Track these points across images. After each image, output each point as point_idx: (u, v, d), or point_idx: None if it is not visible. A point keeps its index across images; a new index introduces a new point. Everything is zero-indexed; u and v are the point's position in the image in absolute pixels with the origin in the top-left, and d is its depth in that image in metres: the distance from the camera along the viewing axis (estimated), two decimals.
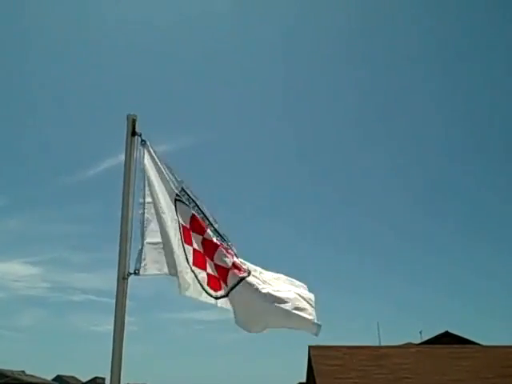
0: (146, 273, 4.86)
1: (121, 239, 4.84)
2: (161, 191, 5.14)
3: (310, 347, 23.09)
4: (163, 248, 4.99)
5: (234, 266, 5.08)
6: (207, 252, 5.17)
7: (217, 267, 5.13)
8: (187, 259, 5.07)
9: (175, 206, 5.19)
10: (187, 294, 5.01)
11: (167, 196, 5.19)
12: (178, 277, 4.94)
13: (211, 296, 5.10)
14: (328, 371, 21.22)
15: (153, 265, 4.92)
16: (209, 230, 5.20)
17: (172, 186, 5.23)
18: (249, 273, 5.11)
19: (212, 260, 5.14)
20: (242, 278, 5.04)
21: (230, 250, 5.19)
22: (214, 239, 5.17)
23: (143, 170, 5.07)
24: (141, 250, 4.85)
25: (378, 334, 29.34)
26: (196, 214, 5.22)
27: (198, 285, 5.07)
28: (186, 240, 5.14)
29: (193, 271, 5.06)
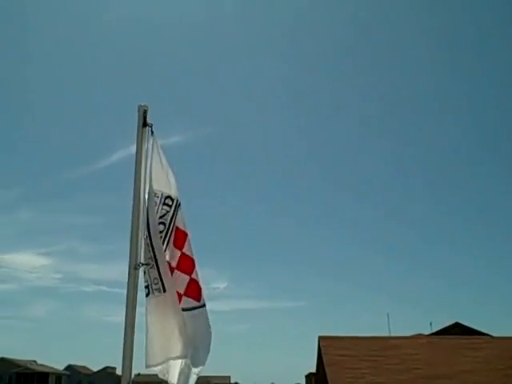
0: None
1: (132, 229, 4.85)
2: (152, 190, 5.05)
3: (319, 338, 23.13)
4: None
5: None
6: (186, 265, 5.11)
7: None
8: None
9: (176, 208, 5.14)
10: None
11: (160, 196, 5.10)
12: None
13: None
14: (338, 361, 21.24)
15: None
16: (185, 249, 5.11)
17: (171, 187, 5.17)
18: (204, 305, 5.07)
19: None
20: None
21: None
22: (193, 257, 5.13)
23: (150, 163, 5.04)
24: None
25: (388, 325, 29.35)
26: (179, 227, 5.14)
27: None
28: (176, 243, 5.08)
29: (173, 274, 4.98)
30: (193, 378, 4.95)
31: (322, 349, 22.53)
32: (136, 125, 5.07)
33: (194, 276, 5.07)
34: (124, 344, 4.63)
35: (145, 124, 5.08)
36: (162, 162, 5.12)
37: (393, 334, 26.98)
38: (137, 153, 5.03)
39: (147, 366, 4.80)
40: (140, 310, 4.77)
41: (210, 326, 5.07)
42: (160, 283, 4.80)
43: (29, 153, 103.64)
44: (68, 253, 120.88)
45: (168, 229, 5.05)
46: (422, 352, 22.06)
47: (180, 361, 4.90)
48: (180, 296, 4.92)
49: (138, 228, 4.86)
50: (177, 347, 4.85)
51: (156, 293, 4.79)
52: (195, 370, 4.92)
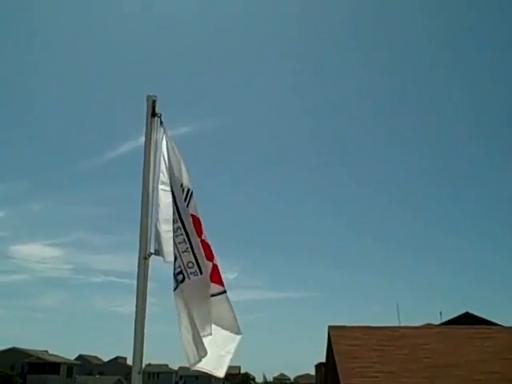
0: (170, 259, 4.86)
1: (141, 219, 4.86)
2: (175, 178, 5.08)
3: (329, 327, 23.14)
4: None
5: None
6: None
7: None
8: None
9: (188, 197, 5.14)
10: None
11: (179, 184, 5.12)
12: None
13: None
14: (347, 351, 21.25)
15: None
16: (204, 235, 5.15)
17: (183, 176, 5.17)
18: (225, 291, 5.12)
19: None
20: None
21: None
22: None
23: (167, 151, 5.05)
24: (157, 232, 4.88)
25: (398, 314, 29.31)
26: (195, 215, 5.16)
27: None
28: (198, 232, 5.09)
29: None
30: (228, 358, 5.10)
31: (332, 338, 22.54)
32: (145, 115, 5.08)
33: (215, 261, 5.13)
34: (135, 334, 4.65)
35: (154, 114, 5.08)
36: (174, 152, 5.13)
37: (402, 324, 26.97)
38: (146, 143, 5.03)
39: (192, 365, 4.78)
40: (150, 300, 4.79)
41: (233, 311, 5.16)
42: (196, 266, 4.86)
43: (38, 145, 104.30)
44: (78, 244, 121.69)
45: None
46: (432, 342, 22.02)
47: (214, 348, 4.92)
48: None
49: (147, 218, 4.87)
50: (208, 328, 4.90)
51: (192, 276, 4.82)
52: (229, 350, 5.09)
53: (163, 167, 5.10)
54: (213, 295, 4.98)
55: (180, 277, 4.80)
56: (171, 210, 4.96)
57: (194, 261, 4.86)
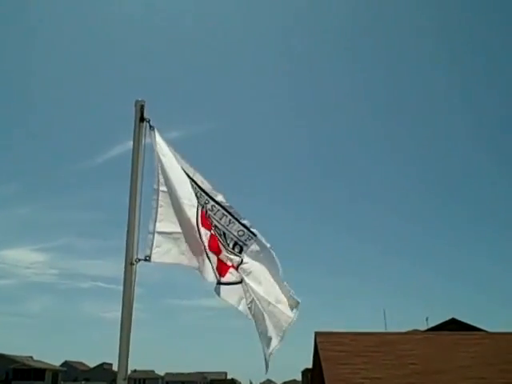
0: (159, 260, 4.87)
1: (129, 225, 4.83)
2: (176, 178, 5.12)
3: (316, 333, 23.15)
4: (181, 238, 5.00)
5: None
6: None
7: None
8: (204, 244, 5.06)
9: (195, 193, 5.17)
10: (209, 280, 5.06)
11: (184, 182, 5.16)
12: (199, 267, 5.00)
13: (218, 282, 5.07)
14: (334, 357, 21.25)
15: (167, 254, 4.93)
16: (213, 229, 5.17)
17: (188, 172, 5.23)
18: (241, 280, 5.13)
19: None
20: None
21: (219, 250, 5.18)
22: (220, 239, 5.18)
23: (156, 157, 5.07)
24: (152, 237, 4.86)
25: (385, 320, 29.44)
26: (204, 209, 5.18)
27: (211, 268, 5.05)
28: (205, 224, 5.12)
29: (208, 257, 5.06)
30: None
31: (319, 345, 22.55)
32: (133, 120, 5.07)
33: (221, 256, 5.16)
34: (120, 340, 4.62)
35: (142, 119, 5.07)
36: (168, 155, 5.17)
37: (389, 330, 27.05)
38: (134, 148, 5.01)
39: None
40: (137, 306, 4.77)
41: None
42: (246, 231, 5.18)
43: (26, 149, 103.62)
44: (65, 249, 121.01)
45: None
46: (418, 348, 22.10)
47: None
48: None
49: (134, 223, 4.85)
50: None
51: (248, 241, 5.13)
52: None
53: (162, 169, 5.09)
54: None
55: (237, 248, 5.05)
56: (175, 210, 5.02)
57: (242, 228, 5.10)
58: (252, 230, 5.22)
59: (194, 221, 5.04)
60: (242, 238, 5.16)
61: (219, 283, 5.01)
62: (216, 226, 5.13)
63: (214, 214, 5.14)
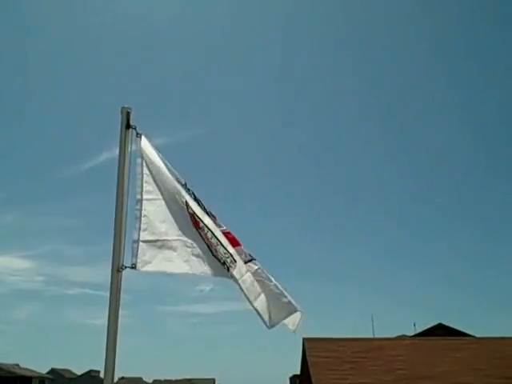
0: (145, 269, 4.86)
1: (115, 232, 4.82)
2: (166, 183, 5.14)
3: (304, 339, 23.15)
4: (167, 245, 5.01)
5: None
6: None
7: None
8: (202, 238, 5.10)
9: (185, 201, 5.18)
10: (211, 274, 5.10)
11: (173, 186, 5.17)
12: (193, 269, 5.04)
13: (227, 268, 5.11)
14: (322, 363, 21.29)
15: (152, 261, 4.92)
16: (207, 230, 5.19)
17: (177, 176, 5.24)
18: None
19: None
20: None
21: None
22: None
23: (140, 165, 5.07)
24: (137, 245, 4.86)
25: (373, 326, 29.51)
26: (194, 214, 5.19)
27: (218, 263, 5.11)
28: (196, 225, 5.13)
29: (209, 247, 5.10)
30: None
31: (307, 351, 22.57)
32: (119, 127, 5.06)
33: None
34: (107, 347, 4.60)
35: (128, 126, 5.07)
36: (156, 161, 5.18)
37: (377, 336, 27.14)
38: (120, 155, 5.00)
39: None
40: (124, 312, 4.76)
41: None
42: (230, 256, 5.10)
43: (12, 155, 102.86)
44: (51, 255, 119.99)
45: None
46: (406, 353, 22.18)
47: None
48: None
49: (120, 230, 4.84)
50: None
51: (232, 265, 5.06)
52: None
53: (148, 177, 5.09)
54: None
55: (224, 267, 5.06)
56: (162, 217, 5.04)
57: (226, 251, 5.12)
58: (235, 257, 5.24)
59: (190, 221, 5.09)
60: (228, 260, 5.11)
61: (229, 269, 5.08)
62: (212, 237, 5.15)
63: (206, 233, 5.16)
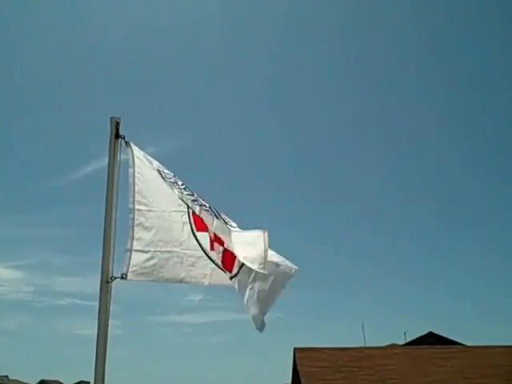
0: (136, 278, 4.85)
1: (104, 242, 4.81)
2: (159, 190, 5.13)
3: (295, 349, 23.13)
4: (159, 255, 5.00)
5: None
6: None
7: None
8: (201, 246, 5.08)
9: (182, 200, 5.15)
10: (206, 283, 5.06)
11: (166, 193, 5.16)
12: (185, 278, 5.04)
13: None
14: (313, 373, 21.25)
15: (143, 271, 4.91)
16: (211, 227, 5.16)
17: (170, 181, 5.21)
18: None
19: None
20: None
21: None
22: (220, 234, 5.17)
23: (132, 175, 5.06)
24: (129, 255, 4.85)
25: (364, 335, 29.41)
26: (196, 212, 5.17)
27: (219, 270, 5.04)
28: (199, 227, 5.12)
29: (210, 257, 5.07)
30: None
31: (298, 360, 22.52)
32: (108, 137, 5.07)
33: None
34: (96, 358, 4.58)
35: (117, 136, 5.07)
36: (147, 169, 5.18)
37: (368, 345, 27.10)
38: (109, 165, 5.00)
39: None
40: (114, 323, 4.74)
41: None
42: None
43: None
44: (40, 266, 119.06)
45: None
46: (397, 362, 22.18)
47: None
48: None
49: (109, 241, 4.83)
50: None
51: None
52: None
53: (139, 187, 5.08)
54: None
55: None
56: (153, 226, 5.04)
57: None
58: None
59: (187, 228, 5.08)
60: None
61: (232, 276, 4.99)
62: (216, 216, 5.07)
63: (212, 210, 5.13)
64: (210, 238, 5.09)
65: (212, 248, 5.07)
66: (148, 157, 5.30)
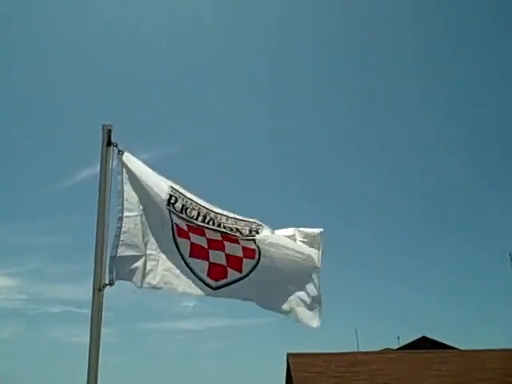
0: (124, 280, 4.86)
1: (96, 250, 4.80)
2: (148, 199, 5.14)
3: (288, 355, 23.06)
4: (143, 260, 5.00)
5: (246, 253, 5.21)
6: (214, 246, 5.23)
7: (228, 257, 5.22)
8: (181, 253, 5.11)
9: (169, 211, 5.17)
10: (180, 290, 5.10)
11: (156, 201, 5.17)
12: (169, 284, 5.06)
13: (209, 286, 5.12)
14: (306, 378, 21.19)
15: (134, 277, 4.92)
16: (207, 230, 5.19)
17: (162, 189, 5.22)
18: (259, 254, 5.23)
19: (223, 251, 5.22)
20: (256, 263, 5.21)
21: (237, 239, 5.25)
22: (219, 235, 5.20)
23: (120, 183, 5.06)
24: (112, 262, 4.84)
25: (357, 340, 29.38)
26: (190, 220, 5.19)
27: (191, 278, 5.11)
28: (181, 234, 5.16)
29: (187, 264, 5.10)
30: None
31: (291, 366, 22.46)
32: (100, 144, 5.06)
33: (212, 260, 5.25)
34: (88, 366, 4.56)
35: (109, 143, 5.06)
36: (139, 176, 5.18)
37: (361, 350, 27.07)
38: (101, 172, 5.00)
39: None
40: (107, 330, 4.73)
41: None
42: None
43: None
44: (33, 273, 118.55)
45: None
46: (390, 367, 22.14)
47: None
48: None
49: (102, 249, 4.81)
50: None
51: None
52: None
53: (128, 195, 5.08)
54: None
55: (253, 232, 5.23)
56: (142, 233, 5.06)
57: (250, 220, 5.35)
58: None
59: (170, 236, 5.12)
60: (253, 227, 5.26)
61: (217, 287, 5.12)
62: (225, 227, 5.19)
63: (220, 219, 5.19)
64: (191, 244, 5.16)
65: (192, 255, 5.12)
66: (143, 164, 5.30)
